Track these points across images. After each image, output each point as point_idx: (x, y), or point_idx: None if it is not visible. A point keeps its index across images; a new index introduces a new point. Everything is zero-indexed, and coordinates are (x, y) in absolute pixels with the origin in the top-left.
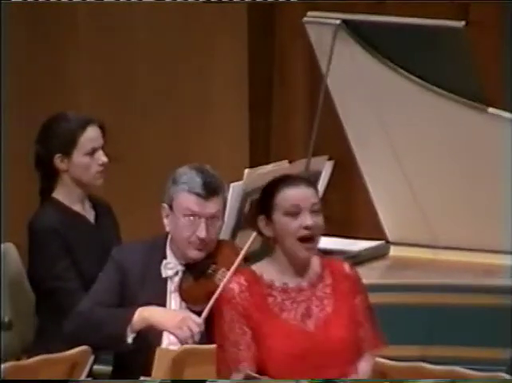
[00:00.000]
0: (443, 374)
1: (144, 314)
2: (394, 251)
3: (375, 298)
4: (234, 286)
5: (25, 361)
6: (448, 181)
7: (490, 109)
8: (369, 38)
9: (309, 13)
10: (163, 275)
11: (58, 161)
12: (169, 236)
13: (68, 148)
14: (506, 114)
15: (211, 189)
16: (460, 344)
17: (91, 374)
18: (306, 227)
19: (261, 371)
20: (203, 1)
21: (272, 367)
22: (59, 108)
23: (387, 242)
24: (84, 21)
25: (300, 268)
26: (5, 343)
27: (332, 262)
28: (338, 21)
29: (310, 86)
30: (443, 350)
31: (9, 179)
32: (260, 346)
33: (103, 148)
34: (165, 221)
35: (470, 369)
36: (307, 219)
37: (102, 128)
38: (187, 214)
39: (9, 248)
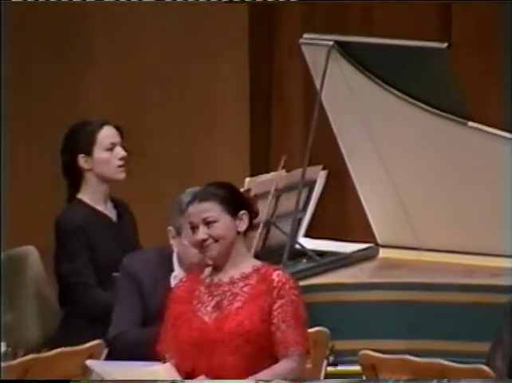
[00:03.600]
0: (427, 366)
1: None
2: (383, 253)
3: (365, 296)
4: (177, 283)
5: (45, 354)
6: (432, 189)
7: (470, 123)
8: (360, 58)
9: (305, 35)
10: (172, 285)
11: (82, 161)
12: (175, 252)
13: (89, 147)
14: (485, 127)
15: None
16: (443, 338)
17: None
18: (200, 241)
19: (177, 356)
20: (205, 1)
21: (178, 353)
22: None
23: (377, 244)
24: (100, 42)
25: (216, 267)
26: (28, 337)
27: (265, 267)
28: (331, 43)
29: (306, 102)
30: (427, 344)
31: (34, 188)
32: (174, 334)
33: (122, 145)
34: (172, 242)
35: (452, 361)
36: (199, 234)
37: (118, 128)
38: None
39: (31, 250)
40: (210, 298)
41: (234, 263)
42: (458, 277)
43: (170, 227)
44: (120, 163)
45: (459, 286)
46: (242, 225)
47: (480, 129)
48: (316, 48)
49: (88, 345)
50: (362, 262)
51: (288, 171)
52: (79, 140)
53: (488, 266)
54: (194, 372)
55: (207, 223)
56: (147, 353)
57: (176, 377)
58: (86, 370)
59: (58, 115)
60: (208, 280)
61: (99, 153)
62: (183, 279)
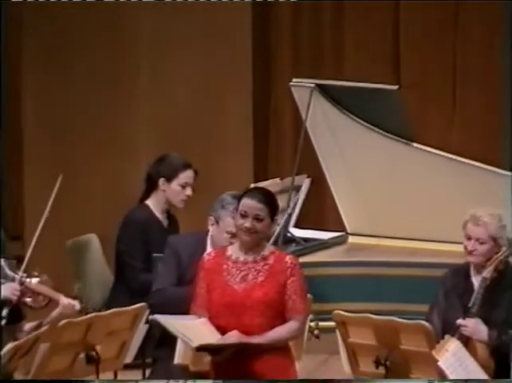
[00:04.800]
0: (383, 322)
1: None
2: (351, 239)
3: (338, 271)
4: (206, 256)
5: (103, 313)
6: (388, 192)
7: (415, 144)
8: (334, 96)
9: (294, 79)
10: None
11: (161, 183)
12: (209, 234)
13: (171, 177)
14: (425, 147)
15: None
16: (395, 301)
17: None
18: (245, 228)
19: (210, 314)
20: (218, 57)
21: (212, 312)
22: (121, 141)
23: (347, 233)
24: (146, 80)
25: (246, 248)
26: (91, 300)
27: (280, 252)
28: (313, 85)
29: (295, 128)
30: (383, 306)
31: (96, 191)
32: (208, 297)
33: (192, 185)
34: (210, 228)
35: (401, 318)
36: (247, 222)
37: (196, 172)
38: (229, 232)
39: (93, 238)
40: (238, 272)
41: (258, 248)
42: (406, 256)
43: (211, 217)
44: (185, 198)
45: (407, 263)
46: (274, 227)
47: (421, 149)
48: (301, 89)
49: (134, 306)
50: (336, 246)
51: (281, 179)
52: (167, 169)
53: (428, 249)
54: (226, 327)
55: (256, 219)
56: (180, 307)
57: (212, 329)
58: (133, 325)
59: (109, 130)
60: (234, 257)
61: (174, 185)
62: (212, 254)
